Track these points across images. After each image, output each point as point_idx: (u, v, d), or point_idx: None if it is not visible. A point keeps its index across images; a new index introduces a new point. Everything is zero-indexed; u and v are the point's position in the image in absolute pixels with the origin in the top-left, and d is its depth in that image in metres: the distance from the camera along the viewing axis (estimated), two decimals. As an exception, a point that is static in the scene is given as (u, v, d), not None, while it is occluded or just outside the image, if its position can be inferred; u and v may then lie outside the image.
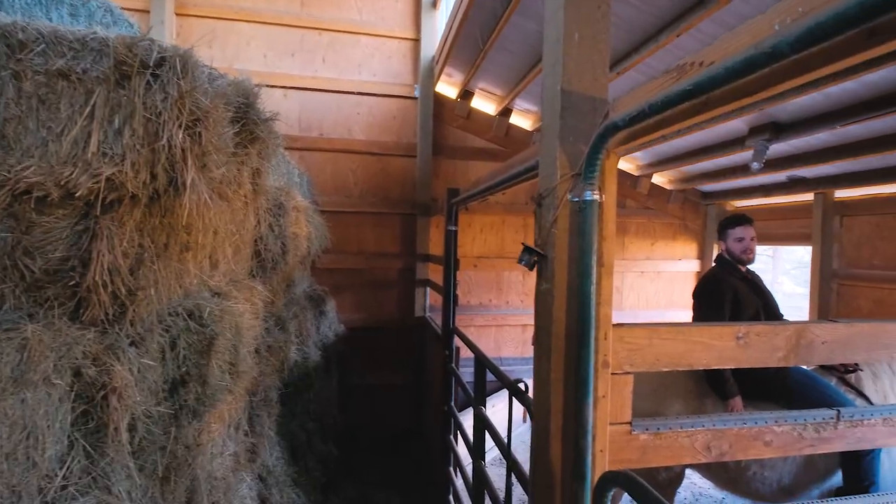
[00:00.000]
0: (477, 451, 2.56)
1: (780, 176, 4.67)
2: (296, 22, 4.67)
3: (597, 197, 1.45)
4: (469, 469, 2.74)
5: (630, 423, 1.58)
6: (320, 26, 4.69)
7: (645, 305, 5.77)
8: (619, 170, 5.10)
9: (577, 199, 1.47)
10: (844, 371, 2.56)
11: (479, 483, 2.52)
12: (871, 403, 2.47)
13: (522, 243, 1.57)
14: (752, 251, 2.80)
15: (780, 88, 0.95)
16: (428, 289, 4.89)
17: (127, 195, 1.31)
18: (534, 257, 1.54)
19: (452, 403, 3.42)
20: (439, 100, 4.96)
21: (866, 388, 2.55)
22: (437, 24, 4.88)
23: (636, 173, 5.54)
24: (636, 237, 5.71)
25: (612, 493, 1.33)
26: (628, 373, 1.57)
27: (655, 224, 5.77)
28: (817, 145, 4.02)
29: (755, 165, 3.99)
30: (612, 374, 1.53)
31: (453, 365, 3.39)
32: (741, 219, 2.83)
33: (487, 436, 2.46)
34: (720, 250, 2.95)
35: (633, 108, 1.22)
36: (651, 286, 5.80)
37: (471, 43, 4.07)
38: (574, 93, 1.49)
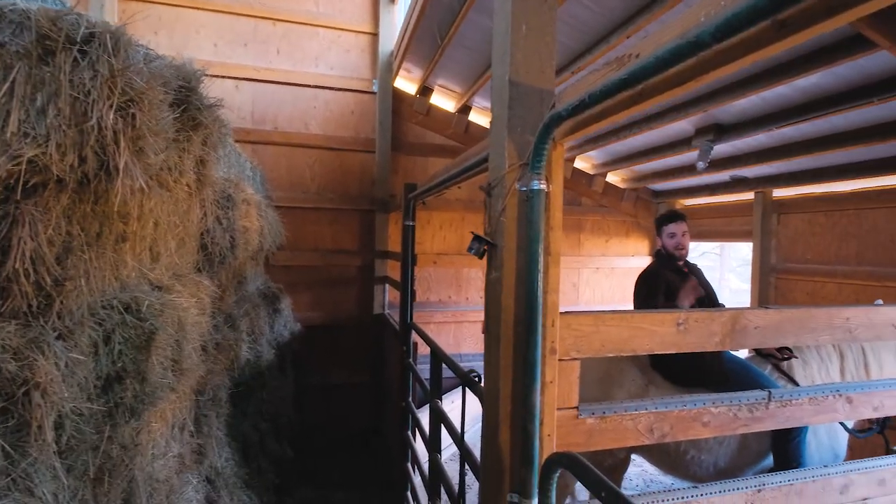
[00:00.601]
0: (433, 444, 2.56)
1: (724, 176, 4.92)
2: (248, 11, 4.53)
3: (544, 186, 1.48)
4: (426, 464, 2.74)
5: (577, 407, 1.62)
6: (274, 16, 4.57)
7: (600, 300, 5.94)
8: (575, 169, 5.25)
9: (524, 189, 1.50)
10: (782, 358, 2.72)
11: (435, 476, 2.53)
12: None
13: (472, 232, 1.59)
14: (684, 246, 2.94)
15: (707, 78, 1.00)
16: (387, 286, 4.86)
17: (52, 179, 1.23)
18: (483, 246, 1.55)
19: (410, 399, 3.41)
20: (398, 95, 4.94)
21: (797, 375, 2.71)
22: (396, 19, 4.85)
23: (591, 172, 5.70)
24: (591, 234, 5.87)
25: (557, 474, 1.36)
26: (575, 359, 1.61)
27: (610, 221, 5.95)
28: (757, 147, 4.25)
29: (700, 165, 4.18)
30: (560, 360, 1.57)
31: (411, 360, 3.38)
32: (674, 216, 2.97)
33: (445, 431, 2.47)
34: (657, 246, 3.07)
35: (575, 98, 1.25)
36: (606, 282, 5.98)
37: (429, 39, 4.07)
38: (522, 84, 1.52)
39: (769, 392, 1.85)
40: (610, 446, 1.67)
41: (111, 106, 1.23)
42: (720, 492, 1.79)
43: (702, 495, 1.77)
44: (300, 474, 4.18)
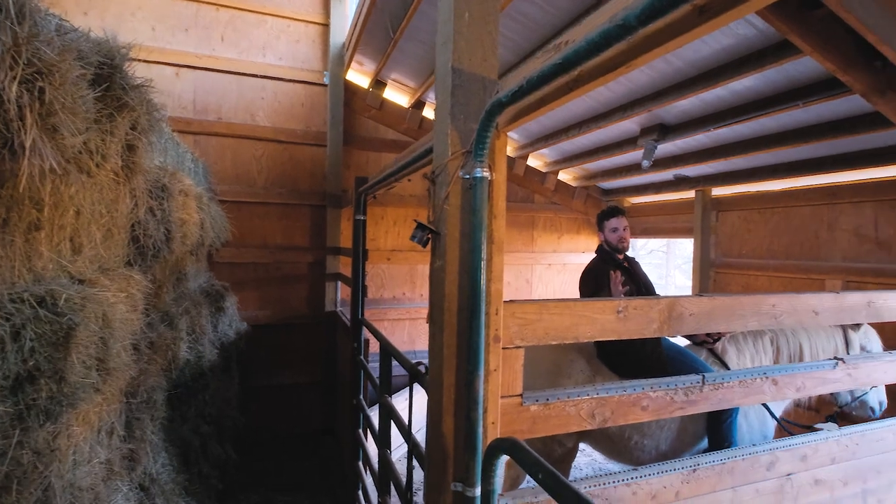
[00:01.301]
0: (383, 441, 2.52)
1: (668, 174, 5.13)
2: (190, -6, 4.31)
3: (487, 174, 1.48)
4: (377, 462, 2.69)
5: (521, 395, 1.63)
6: (218, 2, 4.37)
7: (552, 295, 6.07)
8: (528, 166, 5.31)
9: (467, 177, 1.49)
10: (713, 342, 2.87)
11: (385, 473, 2.49)
12: None
13: (415, 220, 1.57)
14: (626, 240, 3.06)
15: (637, 63, 1.02)
16: (339, 283, 4.76)
17: (-56, 156, 1.11)
18: (427, 234, 1.53)
19: (362, 397, 3.35)
20: (351, 88, 4.84)
21: (730, 362, 2.87)
22: (348, 10, 4.76)
23: (544, 170, 5.80)
24: (544, 231, 5.98)
25: (500, 459, 1.36)
26: (519, 347, 1.62)
27: (562, 219, 6.08)
28: (697, 147, 4.46)
29: (645, 163, 4.34)
30: (504, 348, 1.57)
31: (362, 357, 3.32)
32: (615, 211, 3.08)
33: (396, 428, 2.43)
34: (600, 241, 3.16)
35: (514, 84, 1.25)
36: (558, 278, 6.11)
37: (381, 31, 4.01)
38: (464, 72, 1.51)
39: (703, 376, 1.94)
40: (553, 432, 1.69)
41: (14, 78, 1.12)
42: (658, 473, 1.85)
43: (641, 477, 1.82)
44: (247, 478, 4.04)
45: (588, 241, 6.25)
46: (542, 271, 6.03)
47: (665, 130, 4.19)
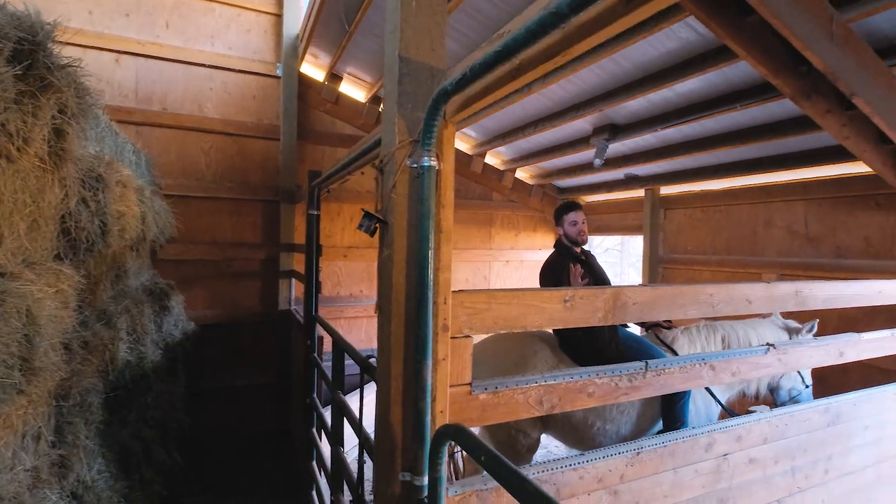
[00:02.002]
0: (335, 437, 2.48)
1: (619, 174, 5.31)
2: (131, -23, 4.09)
3: (434, 163, 1.47)
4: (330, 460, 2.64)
5: (470, 384, 1.64)
6: (162, -13, 4.18)
7: (510, 293, 6.14)
8: (486, 164, 5.35)
9: (415, 165, 1.48)
10: (665, 328, 3.01)
11: (338, 470, 2.45)
12: None
13: (362, 209, 1.55)
14: (585, 233, 3.14)
15: (573, 52, 1.05)
16: (293, 280, 4.64)
17: None
18: (374, 223, 1.52)
19: (315, 396, 3.28)
20: (305, 81, 4.73)
21: (681, 350, 3.01)
22: (302, 0, 4.65)
23: (501, 168, 5.88)
24: (502, 228, 6.05)
25: (447, 445, 1.37)
26: (468, 336, 1.63)
27: (519, 216, 6.18)
28: (646, 147, 4.63)
29: (597, 162, 4.47)
30: (452, 337, 1.58)
31: (316, 355, 3.25)
32: (573, 205, 3.16)
33: (349, 425, 2.40)
34: (558, 235, 3.23)
35: (458, 72, 1.26)
36: (515, 274, 6.20)
37: (336, 23, 3.95)
38: (412, 61, 1.50)
39: (646, 363, 2.01)
40: (503, 420, 1.71)
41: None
42: (604, 457, 1.91)
43: (588, 461, 1.88)
44: (195, 483, 3.88)
45: (545, 238, 6.38)
46: (500, 268, 6.10)
47: (615, 130, 4.33)
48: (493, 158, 5.81)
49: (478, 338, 3.20)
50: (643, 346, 2.91)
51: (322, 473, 3.13)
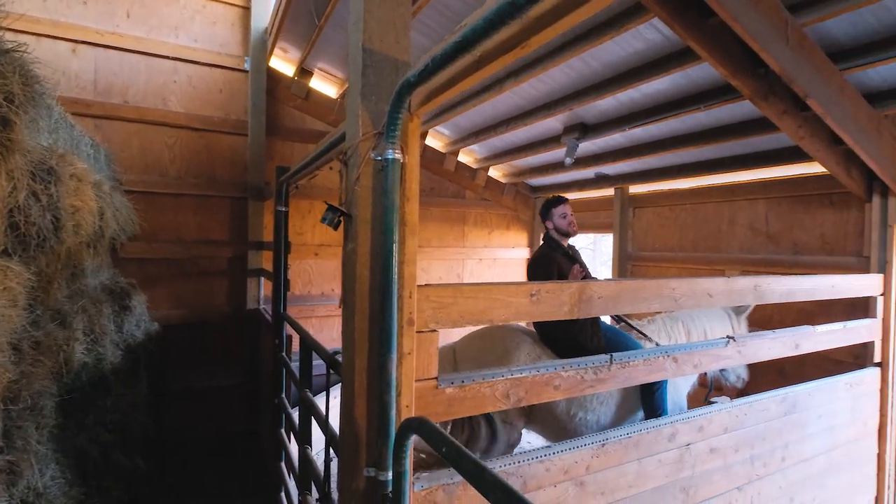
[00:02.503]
0: (303, 436, 2.44)
1: (590, 173, 5.39)
2: (89, -37, 3.92)
3: (399, 156, 1.46)
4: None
5: (436, 378, 1.63)
6: (122, -26, 4.02)
7: (483, 290, 6.17)
8: (459, 162, 5.34)
9: (379, 158, 1.47)
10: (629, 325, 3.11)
11: (306, 470, 2.41)
12: None
13: (325, 202, 1.52)
14: (575, 224, 3.22)
15: (532, 44, 1.05)
16: (262, 279, 4.55)
17: None
18: (338, 216, 1.50)
19: (284, 396, 3.22)
20: (274, 76, 4.64)
21: (653, 337, 3.10)
22: (271, -8, 4.56)
23: (475, 166, 5.90)
24: (475, 227, 6.07)
25: (410, 440, 1.36)
26: (434, 330, 1.62)
27: (492, 214, 6.21)
28: (615, 146, 4.72)
29: (568, 160, 4.53)
30: (418, 331, 1.57)
31: (284, 354, 3.20)
32: (561, 199, 3.22)
33: (316, 423, 2.36)
34: (547, 229, 3.27)
35: (421, 63, 1.25)
36: (489, 272, 6.23)
37: (305, 17, 3.88)
38: (376, 52, 1.49)
39: (611, 356, 2.05)
40: (469, 413, 1.71)
41: None
42: (570, 449, 1.93)
43: (554, 454, 1.90)
44: (160, 488, 3.76)
45: (517, 236, 6.43)
46: (474, 266, 6.12)
47: (586, 129, 4.40)
48: (466, 157, 5.82)
49: (460, 334, 3.24)
50: (622, 338, 2.98)
51: (291, 474, 3.08)
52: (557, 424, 2.95)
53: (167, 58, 4.21)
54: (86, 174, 2.58)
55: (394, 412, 1.45)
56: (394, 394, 1.45)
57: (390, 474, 1.42)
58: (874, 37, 2.63)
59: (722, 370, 3.25)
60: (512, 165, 5.92)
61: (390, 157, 1.44)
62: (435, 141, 5.56)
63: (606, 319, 3.34)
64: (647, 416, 2.89)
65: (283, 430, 3.21)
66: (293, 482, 2.94)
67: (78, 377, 2.77)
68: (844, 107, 2.73)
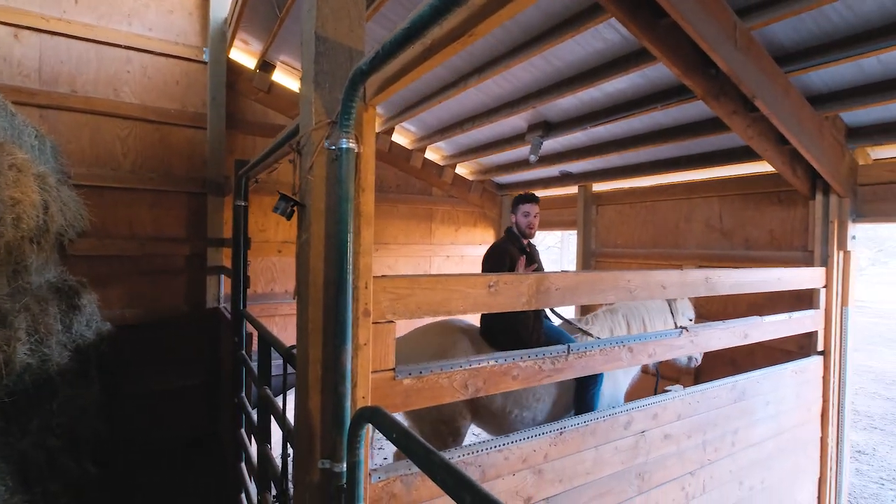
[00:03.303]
0: (262, 435, 2.39)
1: (554, 171, 5.49)
2: (32, -56, 3.72)
3: (353, 146, 1.45)
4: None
5: (394, 369, 1.63)
6: (69, -43, 3.83)
7: (450, 288, 6.18)
8: (426, 159, 5.35)
9: (333, 147, 1.46)
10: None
11: (264, 468, 2.36)
12: None
13: (278, 191, 1.50)
14: (534, 227, 3.25)
15: (478, 33, 1.06)
16: (222, 276, 4.43)
17: None
18: (291, 205, 1.47)
19: (244, 395, 3.15)
20: (235, 69, 4.52)
21: (596, 333, 3.18)
22: (230, -17, 4.44)
23: (442, 163, 5.90)
24: (442, 224, 6.08)
25: (365, 429, 1.35)
26: (391, 321, 1.62)
27: (459, 212, 6.23)
28: (578, 144, 4.81)
29: (532, 158, 4.59)
30: (375, 322, 1.56)
31: (244, 352, 3.12)
32: (531, 197, 3.25)
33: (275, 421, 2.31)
34: (510, 223, 3.30)
35: (372, 51, 1.24)
36: (456, 269, 6.25)
37: (266, 8, 3.80)
38: (329, 40, 1.47)
39: (568, 346, 2.09)
40: (428, 404, 1.72)
41: None
42: (528, 438, 1.96)
43: (512, 443, 1.92)
44: (113, 495, 3.62)
45: (484, 233, 6.48)
46: (441, 263, 6.13)
47: (549, 127, 4.47)
48: (433, 154, 5.83)
49: (402, 331, 3.22)
50: (563, 338, 3.01)
51: (251, 476, 3.01)
52: (495, 421, 2.98)
53: (119, 46, 4.04)
54: (27, 165, 2.45)
55: (349, 403, 1.43)
56: (349, 385, 1.44)
57: (345, 465, 1.40)
58: (815, 41, 2.77)
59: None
60: (478, 163, 5.96)
61: (344, 146, 1.43)
62: (402, 137, 5.55)
63: (559, 320, 3.40)
64: (579, 413, 2.93)
65: (242, 431, 3.14)
66: (253, 483, 2.87)
67: (20, 379, 2.63)
68: (789, 108, 2.88)
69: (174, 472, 4.03)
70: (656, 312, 3.20)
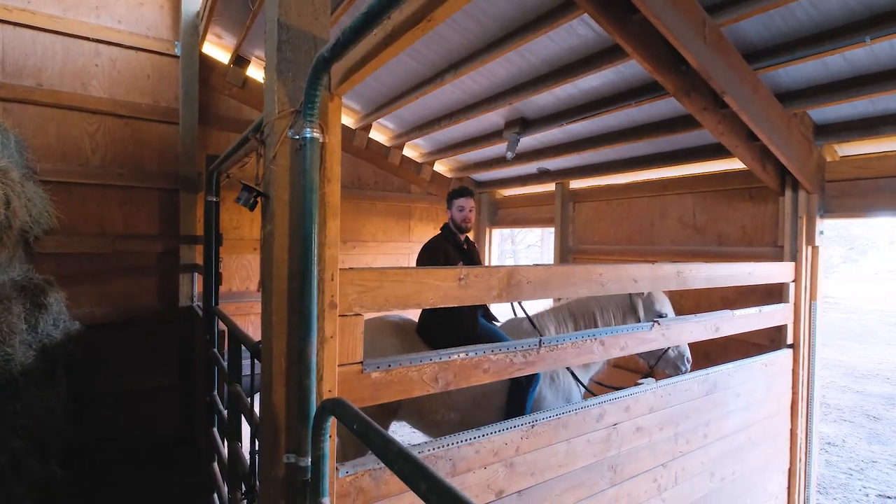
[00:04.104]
0: (232, 432, 2.35)
1: (532, 168, 5.51)
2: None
3: (318, 135, 1.43)
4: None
5: (361, 362, 1.61)
6: (33, -54, 3.71)
7: (431, 285, 6.16)
8: (404, 156, 5.32)
9: (297, 137, 1.44)
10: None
11: (235, 466, 2.32)
12: None
13: (241, 181, 1.47)
14: (469, 220, 3.23)
15: (437, 18, 1.05)
16: (196, 274, 4.34)
17: None
18: (253, 196, 1.45)
19: (217, 394, 3.09)
20: (208, 63, 4.43)
21: (546, 331, 3.14)
22: (202, -25, 4.35)
23: (420, 160, 5.89)
24: (421, 221, 6.06)
25: (328, 423, 1.33)
26: (359, 314, 1.60)
27: (438, 209, 6.22)
28: (555, 142, 4.84)
29: (509, 154, 4.61)
30: (342, 315, 1.54)
31: (216, 350, 3.06)
32: (464, 191, 3.23)
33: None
34: (448, 219, 3.30)
35: (333, 38, 1.23)
36: (436, 267, 6.22)
37: (238, 2, 3.74)
38: (293, 27, 1.45)
39: (540, 340, 2.09)
40: (397, 398, 1.70)
41: None
42: (499, 431, 1.96)
43: (484, 436, 1.92)
44: (82, 498, 3.52)
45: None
46: (421, 261, 6.10)
47: (526, 124, 4.49)
48: (411, 151, 5.81)
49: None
50: (499, 337, 2.98)
51: (224, 477, 2.96)
52: (422, 421, 2.95)
53: (87, 39, 3.92)
54: (-15, 158, 2.37)
55: (314, 396, 1.41)
56: (314, 378, 1.42)
57: (310, 459, 1.38)
58: (783, 39, 2.83)
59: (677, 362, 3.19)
60: (457, 160, 5.95)
61: (308, 135, 1.41)
62: (379, 134, 5.51)
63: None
64: (509, 416, 2.81)
65: (215, 430, 3.08)
66: (225, 483, 2.83)
67: (-21, 380, 2.54)
68: (758, 104, 2.93)
69: (146, 474, 3.94)
70: (614, 309, 3.10)
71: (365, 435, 1.05)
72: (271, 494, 1.44)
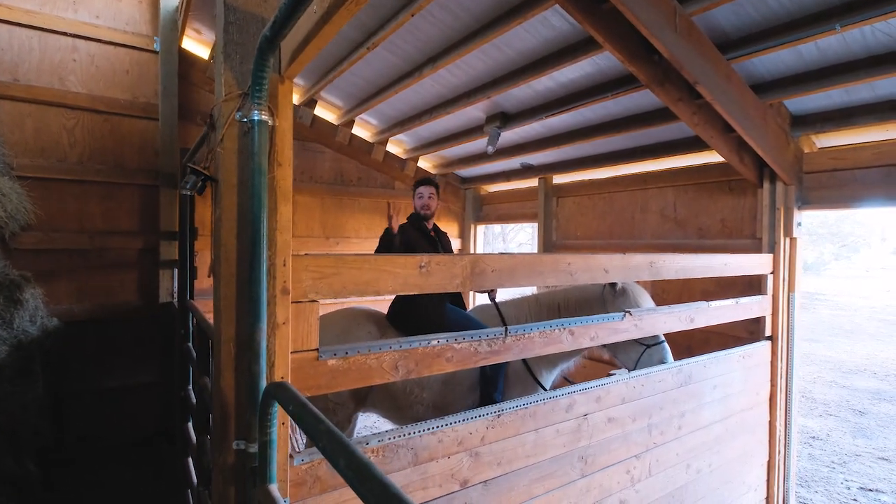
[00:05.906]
0: (199, 424, 2.33)
1: (516, 163, 5.50)
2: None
3: (267, 118, 1.42)
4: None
5: (317, 350, 1.60)
6: (7, -60, 3.68)
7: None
8: (388, 152, 5.30)
9: (245, 120, 1.42)
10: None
11: (201, 459, 2.30)
12: None
13: (188, 165, 1.46)
14: (429, 207, 3.38)
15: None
16: (175, 270, 4.30)
17: None
18: (201, 179, 1.43)
19: (191, 388, 3.07)
20: (188, 58, 4.41)
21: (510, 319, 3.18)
22: (180, -30, 4.32)
23: (404, 157, 5.87)
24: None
25: (275, 408, 1.32)
26: (314, 301, 1.59)
27: (424, 206, 6.19)
28: (536, 136, 4.84)
29: (490, 149, 4.60)
30: (295, 301, 1.53)
31: (190, 344, 3.05)
32: (425, 180, 3.40)
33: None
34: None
35: (271, 18, 1.22)
36: (423, 264, 6.21)
37: (216, -4, 3.72)
38: (240, 10, 1.44)
39: (506, 328, 2.08)
40: (355, 386, 1.69)
41: None
42: (464, 420, 1.95)
43: (447, 425, 1.91)
44: (58, 496, 3.49)
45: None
46: (407, 258, 6.08)
47: (506, 118, 4.48)
48: (395, 147, 5.79)
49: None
50: (471, 321, 3.03)
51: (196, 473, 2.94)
52: (395, 403, 2.97)
53: (65, 34, 3.90)
54: (-52, 150, 2.34)
55: (263, 383, 1.40)
56: (264, 364, 1.41)
57: (257, 445, 1.37)
58: (755, 27, 2.82)
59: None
60: (440, 156, 5.94)
61: (256, 118, 1.40)
62: (362, 130, 5.50)
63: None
64: (483, 392, 2.95)
65: (189, 425, 3.06)
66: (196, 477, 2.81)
67: (-52, 376, 2.52)
68: (732, 94, 2.93)
69: (124, 472, 3.91)
70: (583, 302, 3.11)
71: (300, 416, 1.04)
72: (221, 481, 1.43)
